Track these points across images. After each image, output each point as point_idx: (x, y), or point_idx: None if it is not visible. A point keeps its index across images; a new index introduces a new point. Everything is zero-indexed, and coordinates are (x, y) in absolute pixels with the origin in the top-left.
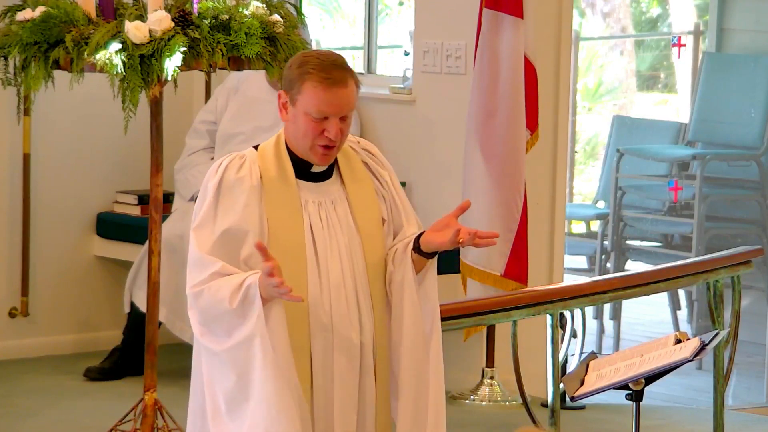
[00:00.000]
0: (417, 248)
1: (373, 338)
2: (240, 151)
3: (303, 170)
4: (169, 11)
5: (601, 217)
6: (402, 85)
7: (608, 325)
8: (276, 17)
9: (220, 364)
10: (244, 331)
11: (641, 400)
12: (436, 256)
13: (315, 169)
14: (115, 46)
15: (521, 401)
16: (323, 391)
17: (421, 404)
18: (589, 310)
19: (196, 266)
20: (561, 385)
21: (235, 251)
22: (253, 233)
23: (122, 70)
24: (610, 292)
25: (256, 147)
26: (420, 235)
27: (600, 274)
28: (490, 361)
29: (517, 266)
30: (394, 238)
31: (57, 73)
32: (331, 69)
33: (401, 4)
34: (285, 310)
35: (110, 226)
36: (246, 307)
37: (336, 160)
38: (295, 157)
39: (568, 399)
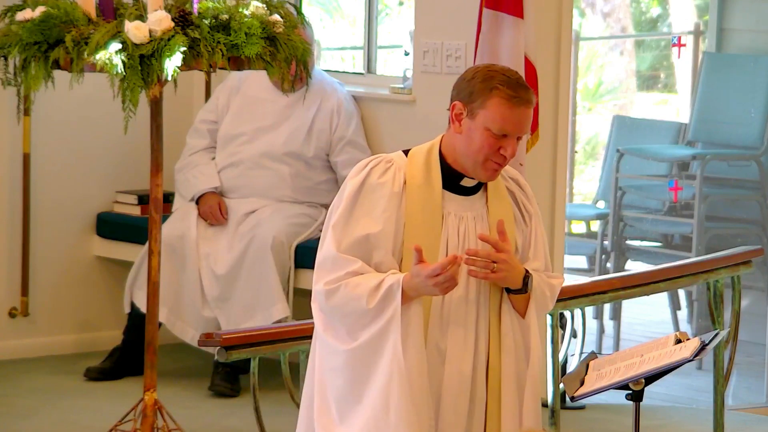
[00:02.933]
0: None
1: (486, 366)
2: (386, 154)
3: (452, 182)
4: (169, 11)
5: (601, 217)
6: (402, 85)
7: (608, 325)
8: (276, 17)
9: (341, 362)
10: (375, 330)
11: (641, 400)
12: (526, 293)
13: (465, 182)
14: (115, 46)
15: None
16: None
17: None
18: (589, 310)
19: (331, 263)
20: (561, 385)
21: (368, 256)
22: (387, 240)
23: (122, 70)
24: (610, 292)
25: (406, 152)
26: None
27: (600, 274)
28: None
29: None
30: None
31: (57, 73)
32: (519, 88)
33: (401, 4)
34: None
35: (110, 226)
36: (384, 305)
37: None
38: (447, 168)
39: (568, 399)
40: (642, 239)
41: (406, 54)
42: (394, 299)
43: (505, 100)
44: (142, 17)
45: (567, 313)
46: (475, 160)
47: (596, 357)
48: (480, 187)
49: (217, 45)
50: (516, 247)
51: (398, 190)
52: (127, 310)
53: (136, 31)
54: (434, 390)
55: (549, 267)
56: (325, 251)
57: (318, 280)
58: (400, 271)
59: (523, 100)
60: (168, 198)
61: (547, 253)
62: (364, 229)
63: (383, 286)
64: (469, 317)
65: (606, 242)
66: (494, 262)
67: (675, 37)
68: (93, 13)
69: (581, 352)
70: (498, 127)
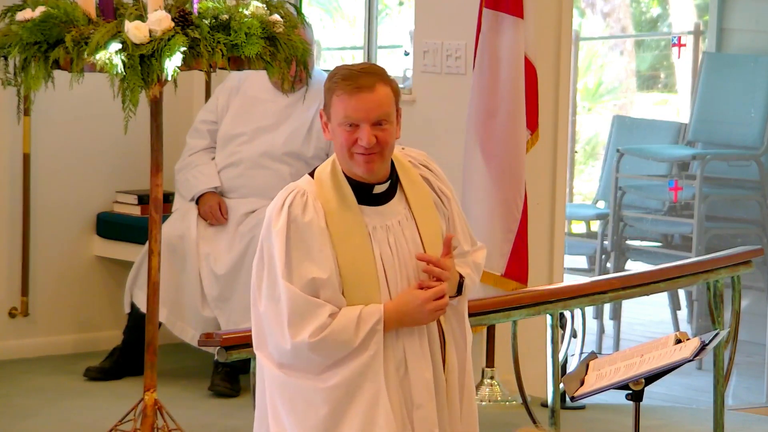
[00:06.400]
0: None
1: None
2: (294, 183)
3: (365, 194)
4: (169, 11)
5: (601, 217)
6: (402, 85)
7: (608, 325)
8: (276, 17)
9: (314, 398)
10: (357, 364)
11: (641, 400)
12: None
13: (377, 190)
14: (115, 46)
15: (521, 401)
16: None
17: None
18: (589, 310)
19: (305, 313)
20: (561, 385)
21: (316, 296)
22: (333, 281)
23: (122, 70)
24: (610, 292)
25: (311, 173)
26: None
27: (600, 274)
28: (490, 361)
29: (518, 266)
30: None
31: (57, 73)
32: (358, 76)
33: (401, 4)
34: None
35: (110, 226)
36: (366, 341)
37: (397, 177)
38: (354, 182)
39: (568, 399)
40: (642, 239)
41: (406, 54)
42: (376, 334)
43: (342, 92)
44: (142, 17)
45: (567, 313)
46: (344, 157)
47: (596, 357)
48: (395, 189)
49: (217, 45)
50: (441, 232)
51: (323, 225)
52: (127, 310)
53: (136, 31)
54: (406, 401)
55: (474, 241)
56: (289, 304)
57: (296, 334)
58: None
59: (361, 86)
60: (168, 198)
61: (468, 228)
62: (308, 272)
63: (366, 324)
64: (421, 329)
65: (606, 242)
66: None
67: (675, 37)
68: (93, 13)
69: (581, 352)
70: (343, 117)
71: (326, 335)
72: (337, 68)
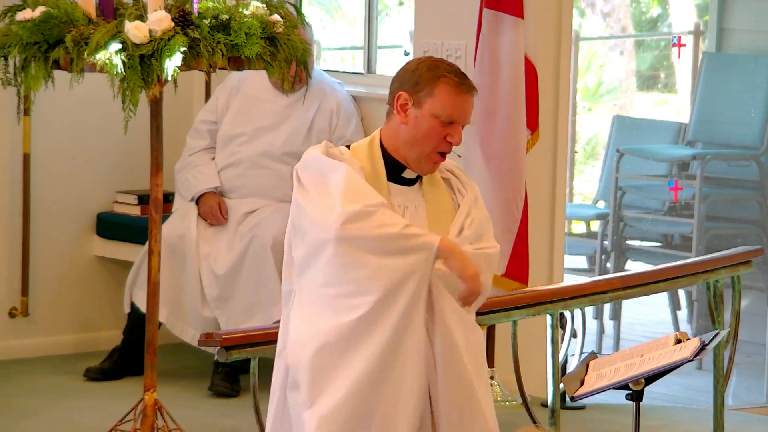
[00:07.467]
0: None
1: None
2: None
3: (394, 173)
4: (169, 11)
5: (601, 217)
6: None
7: (608, 325)
8: (276, 17)
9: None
10: (405, 261)
11: (641, 400)
12: None
13: (406, 174)
14: (115, 46)
15: (521, 401)
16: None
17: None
18: (589, 310)
19: (356, 193)
20: (561, 385)
21: None
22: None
23: (122, 70)
24: (610, 292)
25: (348, 147)
26: None
27: (600, 274)
28: (490, 361)
29: (518, 266)
30: None
31: (57, 73)
32: (464, 76)
33: (401, 4)
34: None
35: (110, 226)
36: (415, 246)
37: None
38: (389, 159)
39: (568, 399)
40: (642, 239)
41: (406, 54)
42: (429, 243)
43: (452, 87)
44: (142, 17)
45: (567, 313)
46: (422, 150)
47: (596, 357)
48: (417, 177)
49: (217, 45)
50: (461, 228)
51: (360, 167)
52: (127, 310)
53: (136, 31)
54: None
55: (487, 236)
56: (343, 178)
57: (348, 203)
58: None
59: (469, 87)
60: (168, 198)
61: (485, 224)
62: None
63: (418, 233)
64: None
65: (606, 242)
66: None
67: (675, 37)
68: (93, 13)
69: (581, 352)
70: (447, 113)
71: (377, 212)
72: (435, 60)
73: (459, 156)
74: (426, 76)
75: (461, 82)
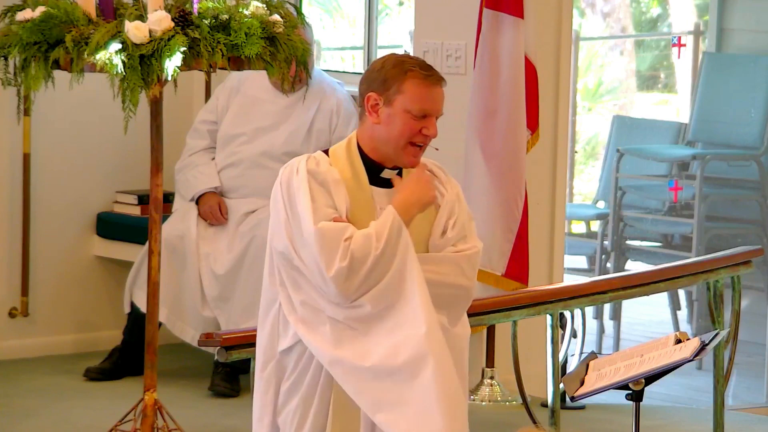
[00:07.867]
0: None
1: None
2: (305, 155)
3: (373, 175)
4: (169, 11)
5: (601, 217)
6: None
7: (608, 325)
8: (276, 17)
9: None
10: (396, 263)
11: (641, 400)
12: None
13: (385, 174)
14: (115, 46)
15: (521, 401)
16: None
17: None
18: (589, 310)
19: (330, 241)
20: (561, 385)
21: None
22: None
23: (122, 70)
24: (610, 292)
25: (326, 151)
26: None
27: (600, 274)
28: (490, 361)
29: (518, 266)
30: None
31: (57, 73)
32: (431, 68)
33: (401, 4)
34: None
35: (110, 226)
36: (397, 242)
37: (401, 169)
38: (367, 161)
39: (568, 399)
40: (642, 239)
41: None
42: (402, 231)
43: (421, 80)
44: (142, 17)
45: (567, 313)
46: (397, 145)
47: (596, 357)
48: (399, 174)
49: (217, 45)
50: (443, 229)
51: (338, 178)
52: (127, 310)
53: (136, 31)
54: None
55: (465, 239)
56: (315, 243)
57: (328, 265)
58: None
59: (437, 78)
60: (168, 198)
61: (467, 224)
62: (331, 215)
63: (386, 225)
64: None
65: (606, 242)
66: None
67: (675, 37)
68: (93, 13)
69: (581, 352)
70: (418, 107)
71: (355, 251)
72: (400, 56)
73: (437, 149)
74: (393, 73)
75: (429, 74)
